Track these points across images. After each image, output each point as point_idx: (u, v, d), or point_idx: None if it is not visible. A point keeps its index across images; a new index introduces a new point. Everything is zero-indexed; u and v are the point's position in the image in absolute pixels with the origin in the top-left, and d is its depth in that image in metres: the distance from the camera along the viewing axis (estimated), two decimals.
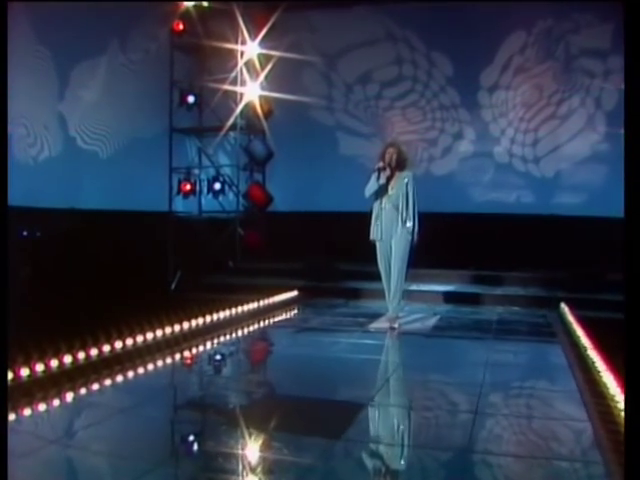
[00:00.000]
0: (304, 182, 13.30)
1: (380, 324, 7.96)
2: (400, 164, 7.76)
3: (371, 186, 7.68)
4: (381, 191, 7.71)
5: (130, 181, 12.09)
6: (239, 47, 12.39)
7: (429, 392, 5.33)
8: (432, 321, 8.47)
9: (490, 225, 11.84)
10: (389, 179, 7.69)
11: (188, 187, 12.71)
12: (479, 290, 10.36)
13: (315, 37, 13.14)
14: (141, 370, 5.70)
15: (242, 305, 8.17)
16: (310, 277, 10.82)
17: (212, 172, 13.21)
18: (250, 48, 12.50)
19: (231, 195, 13.05)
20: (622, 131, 10.94)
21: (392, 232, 7.68)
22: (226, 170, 13.24)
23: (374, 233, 7.79)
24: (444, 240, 10.23)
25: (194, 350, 6.60)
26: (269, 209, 13.09)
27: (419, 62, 12.99)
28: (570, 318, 7.97)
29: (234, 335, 7.43)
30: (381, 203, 7.74)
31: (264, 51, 12.60)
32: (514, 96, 12.56)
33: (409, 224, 7.60)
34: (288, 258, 11.97)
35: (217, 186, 12.77)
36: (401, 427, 4.55)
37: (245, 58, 12.51)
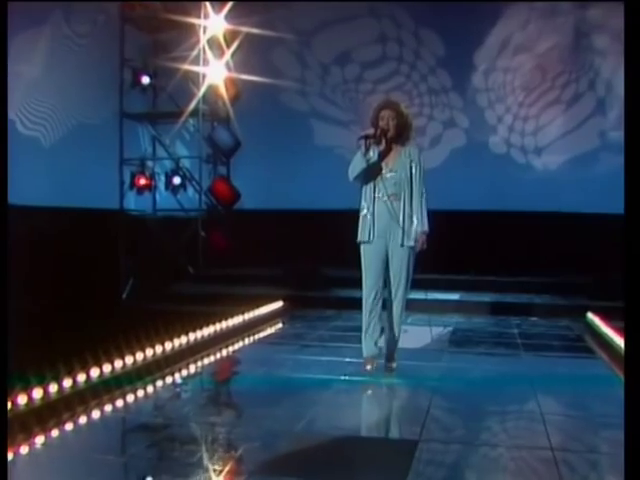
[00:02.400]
0: (275, 176, 12.06)
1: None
2: (401, 133, 5.42)
3: (357, 164, 5.35)
4: (372, 171, 5.37)
5: (75, 173, 10.69)
6: (201, 21, 11.08)
7: (484, 423, 4.51)
8: (446, 335, 7.63)
9: (486, 224, 10.92)
10: (383, 154, 5.41)
11: (143, 181, 11.28)
12: (487, 299, 9.47)
13: (288, 11, 11.86)
14: (108, 409, 4.59)
15: (217, 318, 6.84)
16: (291, 285, 9.65)
17: (168, 164, 11.88)
18: (214, 23, 11.17)
19: (191, 191, 11.57)
20: None
21: (389, 233, 5.38)
22: (185, 162, 11.82)
23: (363, 233, 5.46)
24: (436, 242, 8.97)
25: (171, 379, 5.44)
26: (235, 207, 11.75)
27: (405, 40, 11.96)
28: (606, 330, 7.00)
29: (219, 357, 6.36)
30: (373, 190, 5.39)
31: (230, 27, 11.28)
32: (513, 78, 11.64)
33: (416, 223, 5.35)
34: (259, 263, 10.86)
35: (176, 180, 11.37)
36: (472, 468, 3.69)
37: (208, 34, 11.19)
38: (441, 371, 5.89)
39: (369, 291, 5.50)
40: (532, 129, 11.54)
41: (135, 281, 10.93)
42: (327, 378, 5.41)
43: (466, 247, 10.37)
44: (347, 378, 5.41)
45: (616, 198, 10.08)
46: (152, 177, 11.51)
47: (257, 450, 3.83)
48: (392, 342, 5.63)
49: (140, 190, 11.31)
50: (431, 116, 11.91)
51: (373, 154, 5.36)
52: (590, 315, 7.97)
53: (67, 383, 4.32)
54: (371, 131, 5.32)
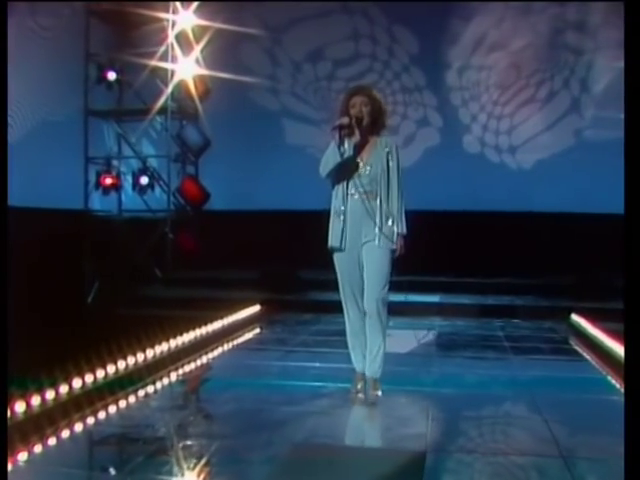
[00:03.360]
0: (245, 176, 11.66)
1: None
2: (377, 123, 4.77)
3: (329, 158, 4.65)
4: (346, 166, 4.67)
5: (38, 172, 10.17)
6: (170, 16, 10.75)
7: (489, 430, 4.36)
8: (431, 339, 7.37)
9: (461, 224, 10.79)
10: (358, 147, 4.71)
11: (109, 181, 10.88)
12: (467, 301, 9.25)
13: (258, 7, 11.48)
14: (91, 421, 4.23)
15: (193, 324, 6.46)
16: (267, 289, 9.33)
17: (135, 163, 11.50)
18: (183, 18, 10.84)
19: (158, 191, 11.21)
20: (612, 115, 10.14)
21: (364, 237, 4.70)
22: (151, 161, 11.43)
23: (334, 237, 4.74)
24: (412, 243, 8.82)
25: (153, 389, 5.09)
26: (204, 207, 11.45)
27: (379, 37, 11.67)
28: (595, 332, 6.86)
29: (200, 365, 6.00)
30: (346, 187, 4.71)
31: (199, 22, 10.94)
32: (488, 77, 11.44)
33: (393, 224, 4.68)
34: (231, 266, 10.62)
35: (144, 180, 10.95)
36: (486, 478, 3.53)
37: (177, 29, 10.84)
38: (434, 377, 5.68)
39: (351, 307, 4.84)
40: (506, 128, 11.40)
41: (100, 284, 10.54)
42: (320, 385, 5.16)
43: (442, 248, 10.16)
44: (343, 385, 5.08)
45: (593, 198, 10.14)
46: (118, 176, 11.13)
47: (258, 463, 3.62)
48: (374, 364, 4.80)
49: (106, 190, 10.94)
50: (404, 115, 11.63)
51: (348, 147, 4.64)
52: (574, 317, 7.84)
53: (50, 395, 4.00)
54: (346, 120, 4.59)
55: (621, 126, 9.43)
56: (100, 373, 4.64)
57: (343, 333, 5.92)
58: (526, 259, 10.02)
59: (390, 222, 4.67)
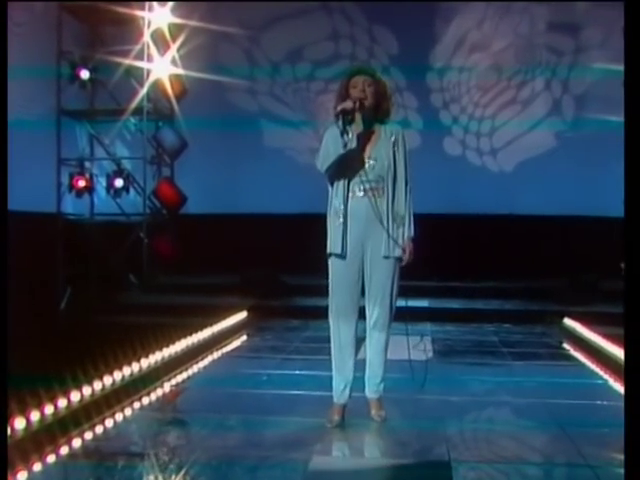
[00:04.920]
0: (222, 179, 11.48)
1: None
2: (380, 105, 4.20)
3: (330, 150, 4.08)
4: (350, 160, 4.08)
5: (8, 173, 9.70)
6: (145, 14, 10.39)
7: (507, 439, 4.27)
8: (426, 345, 7.13)
9: (441, 228, 10.36)
10: (360, 136, 4.13)
11: (82, 183, 10.51)
12: (457, 305, 9.19)
13: (236, 5, 11.22)
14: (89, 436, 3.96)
15: (180, 332, 6.14)
16: (251, 294, 9.07)
17: (108, 165, 11.12)
18: (159, 15, 10.51)
19: (133, 194, 10.90)
20: (593, 117, 10.33)
21: (368, 240, 4.15)
22: (126, 164, 11.08)
23: (334, 242, 4.17)
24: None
25: (149, 402, 4.84)
26: (180, 211, 11.14)
27: (358, 37, 11.53)
28: (592, 336, 6.80)
29: (192, 374, 5.75)
30: (347, 185, 4.13)
31: (176, 20, 10.63)
32: (468, 78, 11.40)
33: (400, 227, 4.23)
34: (210, 271, 10.38)
35: (118, 183, 10.60)
36: None
37: (152, 28, 10.49)
38: (439, 384, 5.41)
39: (344, 321, 4.21)
40: (487, 130, 11.36)
41: (73, 290, 10.21)
42: (325, 395, 4.76)
43: (425, 252, 10.02)
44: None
45: (579, 200, 10.10)
46: (91, 179, 10.77)
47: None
48: (376, 384, 4.39)
49: (79, 192, 10.54)
50: None
51: (351, 136, 4.02)
52: (568, 321, 7.79)
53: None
54: (350, 104, 3.98)
55: (604, 126, 9.54)
56: (97, 385, 4.38)
57: None
58: (511, 263, 10.00)
59: (399, 224, 4.19)
